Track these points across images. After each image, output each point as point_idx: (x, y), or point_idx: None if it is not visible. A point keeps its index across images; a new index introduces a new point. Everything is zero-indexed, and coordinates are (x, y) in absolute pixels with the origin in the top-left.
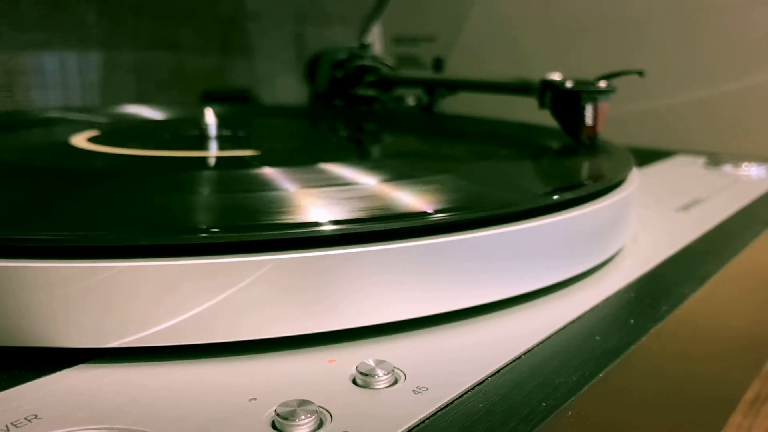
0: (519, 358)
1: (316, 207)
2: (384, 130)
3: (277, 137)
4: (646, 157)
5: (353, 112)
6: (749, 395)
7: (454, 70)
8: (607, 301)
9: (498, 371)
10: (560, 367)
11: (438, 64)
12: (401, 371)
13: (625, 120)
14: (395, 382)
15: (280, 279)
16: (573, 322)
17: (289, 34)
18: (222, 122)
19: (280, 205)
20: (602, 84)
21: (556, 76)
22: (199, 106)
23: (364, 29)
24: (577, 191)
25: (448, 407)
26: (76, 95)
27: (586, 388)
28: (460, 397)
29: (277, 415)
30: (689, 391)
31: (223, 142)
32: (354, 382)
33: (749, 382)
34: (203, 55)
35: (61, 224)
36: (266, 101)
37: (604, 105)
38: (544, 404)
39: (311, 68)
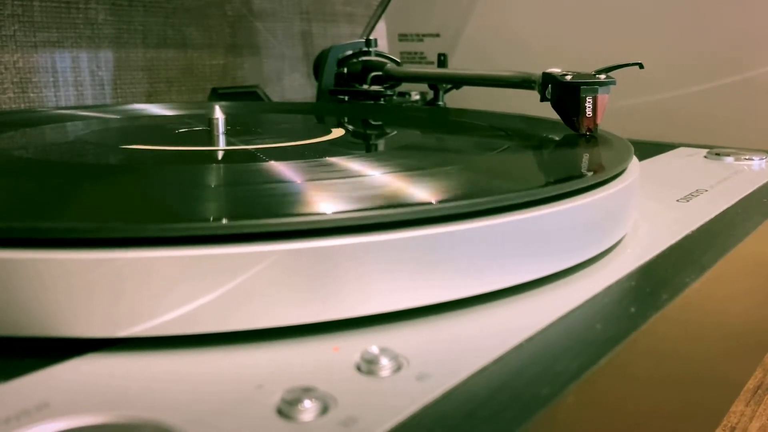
0: (520, 345)
1: (321, 198)
2: (389, 125)
3: (285, 133)
4: (648, 149)
5: (359, 107)
6: (751, 383)
7: (458, 65)
8: (609, 289)
9: (500, 358)
10: (561, 355)
11: (442, 59)
12: (405, 358)
13: (627, 113)
14: (399, 368)
15: (286, 269)
16: (574, 310)
17: (296, 32)
18: (230, 118)
19: (285, 196)
20: (601, 76)
21: (556, 70)
22: (208, 103)
23: (369, 26)
24: (579, 181)
25: (451, 393)
26: (88, 93)
27: (586, 375)
28: (463, 383)
29: (284, 401)
30: (690, 379)
31: (232, 137)
32: (358, 369)
33: (751, 370)
34: (212, 53)
35: (73, 216)
36: (274, 98)
37: (604, 97)
38: (545, 391)
39: (318, 65)
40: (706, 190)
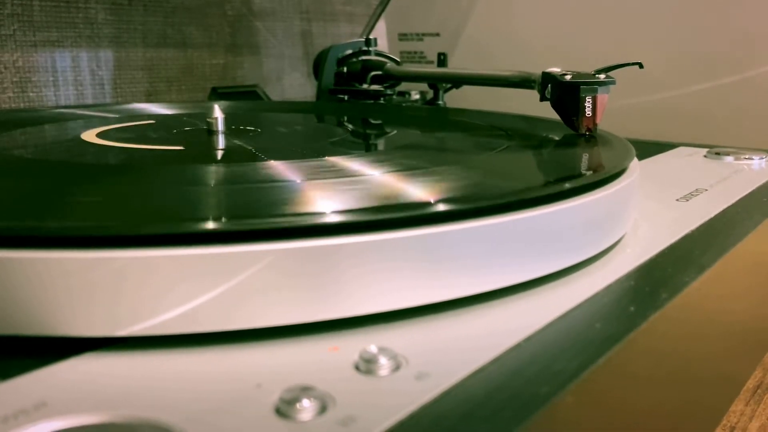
0: (519, 345)
1: (320, 197)
2: (388, 124)
3: (285, 132)
4: (648, 149)
5: (359, 106)
6: (751, 383)
7: (458, 64)
8: (608, 289)
9: (499, 358)
10: (560, 354)
11: (442, 59)
12: (403, 358)
13: (627, 113)
14: (397, 368)
15: (284, 268)
16: (573, 309)
17: (296, 32)
18: (230, 118)
19: (285, 195)
20: (601, 76)
21: (556, 70)
22: (208, 103)
23: (369, 25)
24: (579, 181)
25: (450, 393)
26: (88, 93)
27: (585, 374)
28: (461, 383)
29: (282, 400)
30: (690, 378)
31: (231, 137)
32: (357, 368)
33: (751, 370)
34: (212, 53)
35: (73, 215)
36: (274, 97)
37: (604, 97)
38: (544, 390)
39: (317, 64)
40: (706, 190)
